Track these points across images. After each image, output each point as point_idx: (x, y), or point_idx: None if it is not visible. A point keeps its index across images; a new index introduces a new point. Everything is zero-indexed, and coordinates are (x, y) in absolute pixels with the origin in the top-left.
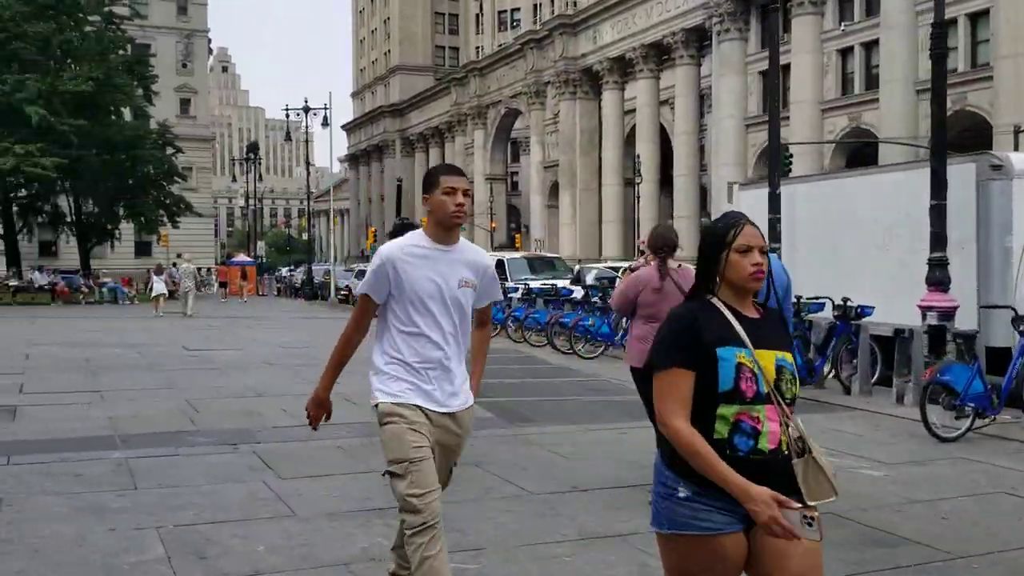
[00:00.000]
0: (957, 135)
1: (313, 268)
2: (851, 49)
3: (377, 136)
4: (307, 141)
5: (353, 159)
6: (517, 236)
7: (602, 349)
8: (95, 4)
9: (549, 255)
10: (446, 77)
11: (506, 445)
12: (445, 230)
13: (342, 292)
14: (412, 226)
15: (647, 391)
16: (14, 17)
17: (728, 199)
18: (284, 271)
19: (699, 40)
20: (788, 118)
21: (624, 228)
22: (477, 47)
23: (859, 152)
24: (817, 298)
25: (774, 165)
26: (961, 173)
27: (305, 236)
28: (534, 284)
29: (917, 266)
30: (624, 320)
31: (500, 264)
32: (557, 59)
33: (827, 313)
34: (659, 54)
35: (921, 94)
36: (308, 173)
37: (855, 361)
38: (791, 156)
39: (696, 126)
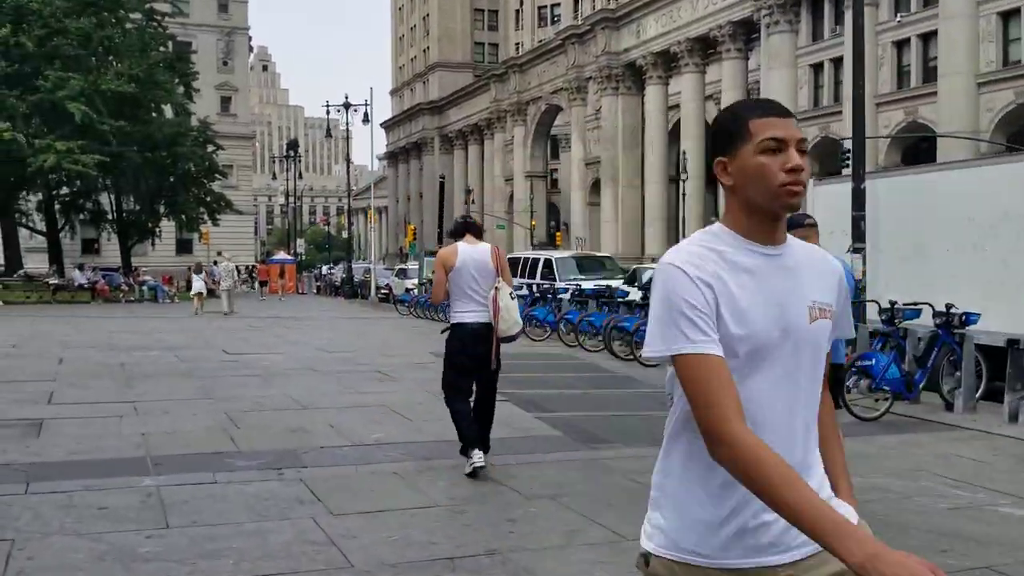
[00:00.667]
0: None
1: (353, 267)
2: (907, 41)
3: (416, 134)
4: (347, 138)
5: (392, 157)
6: (558, 234)
7: None
8: (136, 0)
9: (599, 254)
10: (486, 74)
11: (582, 472)
12: (771, 219)
13: (382, 291)
14: (474, 225)
15: None
16: (55, 13)
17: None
18: (323, 269)
19: (747, 33)
20: (840, 112)
21: (668, 227)
22: (517, 43)
23: (915, 147)
24: (915, 304)
25: (858, 158)
26: None
27: (345, 234)
28: (586, 284)
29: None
30: None
31: (548, 263)
32: (599, 54)
33: (924, 320)
34: (704, 48)
35: (982, 87)
36: (348, 170)
37: (958, 374)
38: (847, 152)
39: None
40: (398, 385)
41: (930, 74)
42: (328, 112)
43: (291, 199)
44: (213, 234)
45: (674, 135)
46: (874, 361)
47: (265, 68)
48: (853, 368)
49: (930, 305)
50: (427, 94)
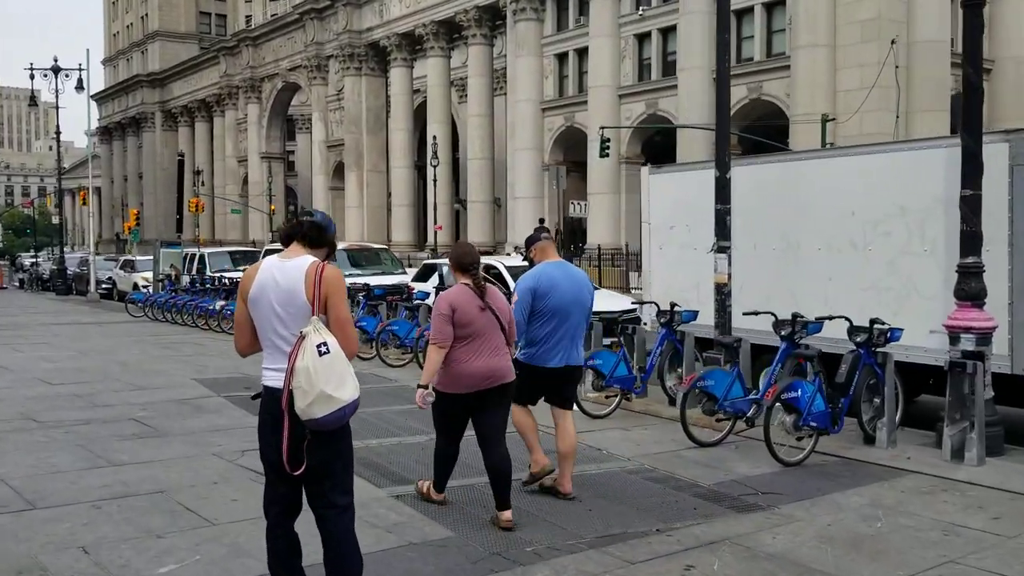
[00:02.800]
0: (751, 125)
1: (65, 257)
2: (649, 35)
3: (134, 108)
4: (56, 107)
5: (106, 132)
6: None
7: None
8: None
9: (374, 245)
10: (214, 46)
11: None
12: None
13: (103, 286)
14: (311, 226)
15: None
16: None
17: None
18: (26, 259)
19: (492, 19)
20: (586, 103)
21: (415, 212)
22: (247, 15)
23: (650, 140)
24: (830, 318)
25: (722, 145)
26: (987, 155)
27: (56, 219)
28: (369, 282)
29: (918, 271)
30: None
31: None
32: (340, 32)
33: (829, 334)
34: (450, 31)
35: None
36: (59, 143)
37: (876, 400)
38: (608, 141)
39: (490, 108)
40: (170, 444)
41: (670, 68)
42: (32, 77)
43: None
44: None
45: (419, 119)
46: (800, 392)
47: None
48: (779, 402)
49: (846, 318)
50: (146, 65)
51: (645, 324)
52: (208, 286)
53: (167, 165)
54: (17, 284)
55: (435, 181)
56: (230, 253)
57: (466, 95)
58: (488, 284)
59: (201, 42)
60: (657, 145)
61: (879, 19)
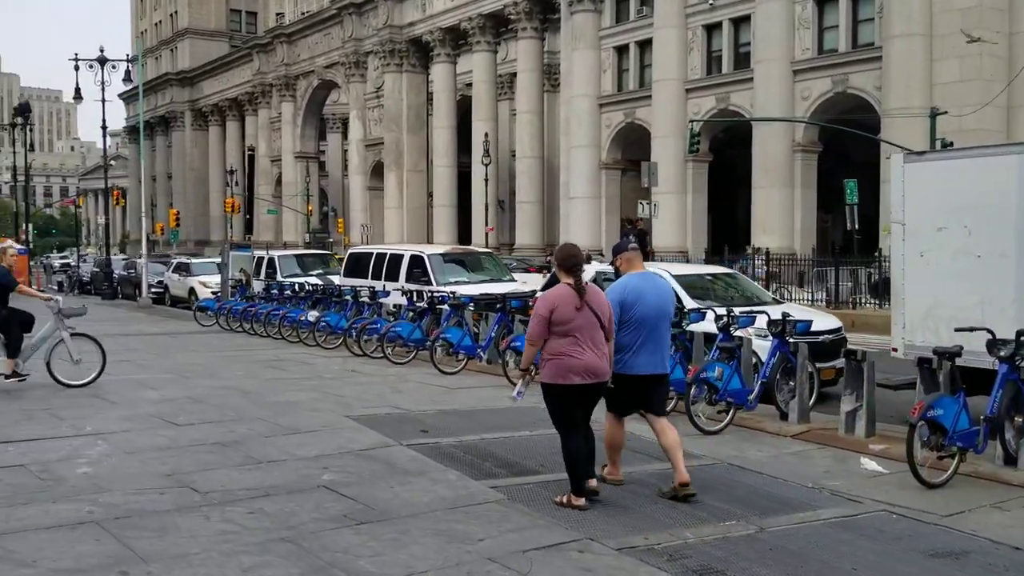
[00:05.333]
0: (834, 119)
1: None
2: (719, 25)
3: (163, 107)
4: (103, 101)
5: (133, 132)
6: (340, 221)
7: (671, 403)
8: None
9: (479, 249)
10: (247, 43)
11: None
12: None
13: (155, 290)
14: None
15: None
16: None
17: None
18: (55, 260)
19: (543, 11)
20: (648, 98)
21: (458, 212)
22: (278, 13)
23: (715, 136)
24: None
25: None
26: None
27: (89, 220)
28: (471, 290)
29: None
30: None
31: (419, 261)
32: (380, 27)
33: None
34: (497, 25)
35: (797, 74)
36: (105, 136)
37: None
38: (698, 136)
39: (540, 105)
40: (410, 536)
41: (742, 60)
42: (77, 69)
43: (21, 176)
44: None
45: (458, 116)
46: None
47: None
48: None
49: None
50: (175, 63)
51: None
52: (289, 293)
53: (197, 165)
54: (56, 287)
55: (486, 180)
56: (297, 256)
57: (505, 92)
58: (589, 284)
59: (231, 40)
60: (721, 142)
61: (980, 7)
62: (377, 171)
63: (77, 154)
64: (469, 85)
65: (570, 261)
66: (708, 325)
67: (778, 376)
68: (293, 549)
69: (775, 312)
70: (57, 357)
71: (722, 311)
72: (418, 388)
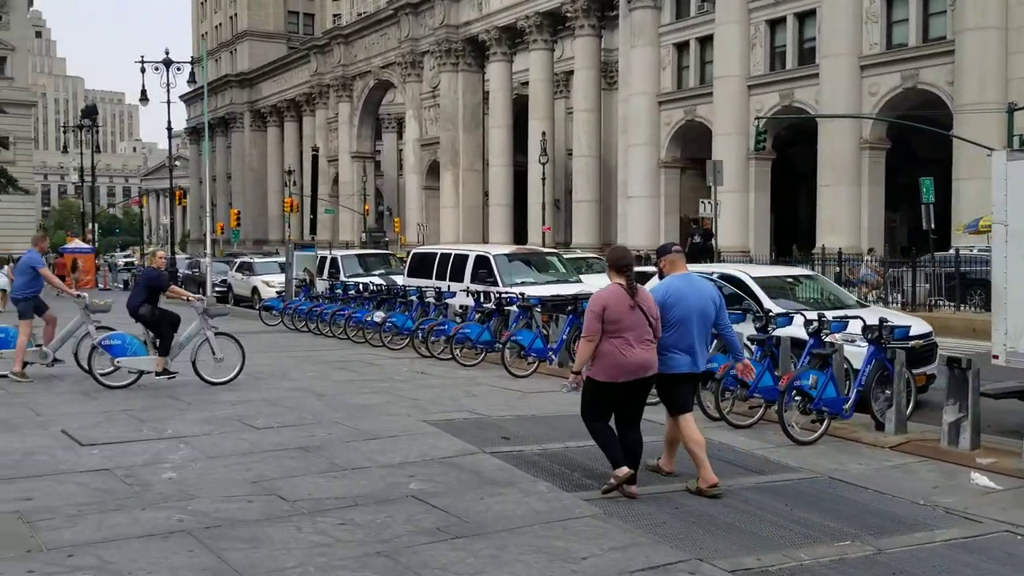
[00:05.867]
0: (903, 116)
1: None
2: (783, 20)
3: (222, 108)
4: (168, 103)
5: (194, 133)
6: (396, 220)
7: (760, 412)
8: None
9: (543, 249)
10: (305, 44)
11: None
12: None
13: (218, 289)
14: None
15: None
16: None
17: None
18: (119, 258)
19: (601, 8)
20: (709, 95)
21: (514, 212)
22: (335, 14)
23: (778, 134)
24: None
25: None
26: None
27: (151, 218)
28: (538, 291)
29: None
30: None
31: (485, 262)
32: (437, 27)
33: None
34: (554, 23)
35: (866, 69)
36: (170, 136)
37: None
38: (764, 133)
39: (598, 103)
40: (508, 554)
41: (806, 55)
42: (143, 71)
43: (87, 176)
44: None
45: (515, 115)
46: None
47: (39, 35)
48: None
49: None
50: (235, 65)
51: None
52: (354, 293)
53: (256, 165)
54: (121, 286)
55: (543, 180)
56: (359, 256)
57: (560, 91)
58: (639, 285)
59: (289, 41)
60: (782, 139)
61: None
62: (433, 170)
63: (139, 155)
64: (524, 84)
65: (621, 262)
66: (795, 330)
67: (873, 384)
68: (391, 565)
69: (871, 317)
70: (201, 356)
71: (812, 315)
72: (491, 392)
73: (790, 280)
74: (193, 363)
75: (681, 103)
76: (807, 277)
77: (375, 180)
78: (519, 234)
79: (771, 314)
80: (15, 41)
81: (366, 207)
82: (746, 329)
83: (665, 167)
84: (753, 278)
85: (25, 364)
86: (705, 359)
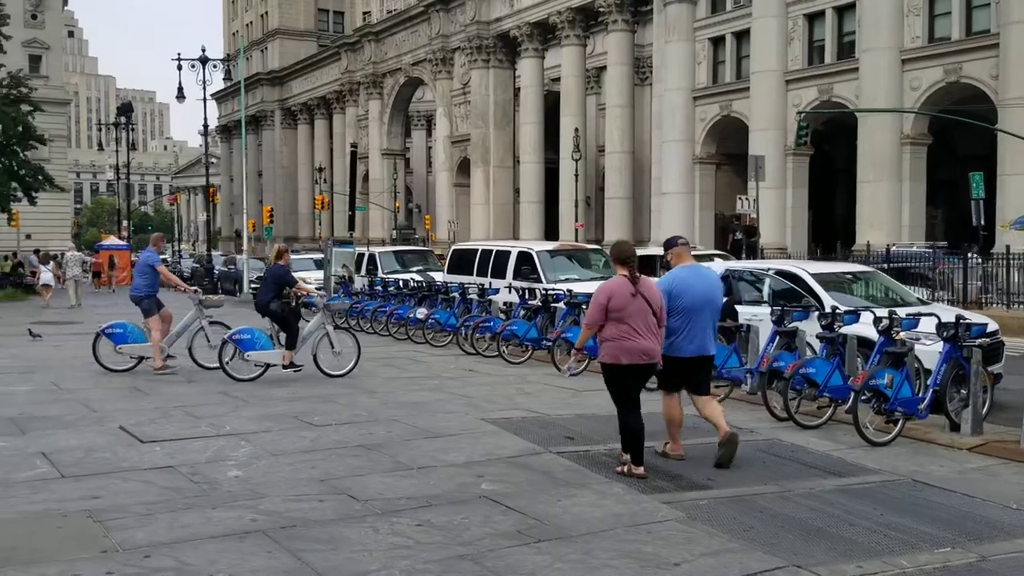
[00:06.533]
0: (946, 110)
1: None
2: (821, 14)
3: (253, 106)
4: (204, 100)
5: (224, 131)
6: (427, 217)
7: (829, 412)
8: None
9: (586, 246)
10: (335, 42)
11: None
12: None
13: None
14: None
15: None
16: None
17: None
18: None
19: (635, 3)
20: (745, 90)
21: (545, 208)
22: (364, 12)
23: (816, 129)
24: None
25: None
26: None
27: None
28: (584, 288)
29: None
30: None
31: (528, 258)
32: (468, 23)
33: None
34: (587, 18)
35: (908, 63)
36: (207, 133)
37: None
38: (806, 128)
39: (630, 98)
40: (597, 558)
41: (844, 49)
42: (180, 66)
43: (122, 173)
44: (22, 216)
45: (546, 111)
46: None
47: (71, 34)
48: None
49: None
50: (266, 63)
51: None
52: (394, 289)
53: (286, 163)
54: None
55: (576, 176)
56: (397, 253)
57: (591, 87)
58: (641, 276)
59: (319, 39)
60: (818, 135)
61: None
62: (463, 167)
63: (170, 153)
64: (553, 81)
65: (624, 255)
66: (863, 328)
67: (948, 383)
68: (477, 570)
69: (946, 314)
70: (321, 350)
71: (882, 312)
72: (544, 390)
73: (849, 277)
74: (315, 356)
75: (717, 98)
76: (865, 273)
77: (405, 178)
78: (550, 231)
79: (838, 311)
80: (50, 40)
81: (396, 204)
82: (810, 327)
83: (700, 163)
84: (811, 275)
85: (168, 357)
86: (713, 344)
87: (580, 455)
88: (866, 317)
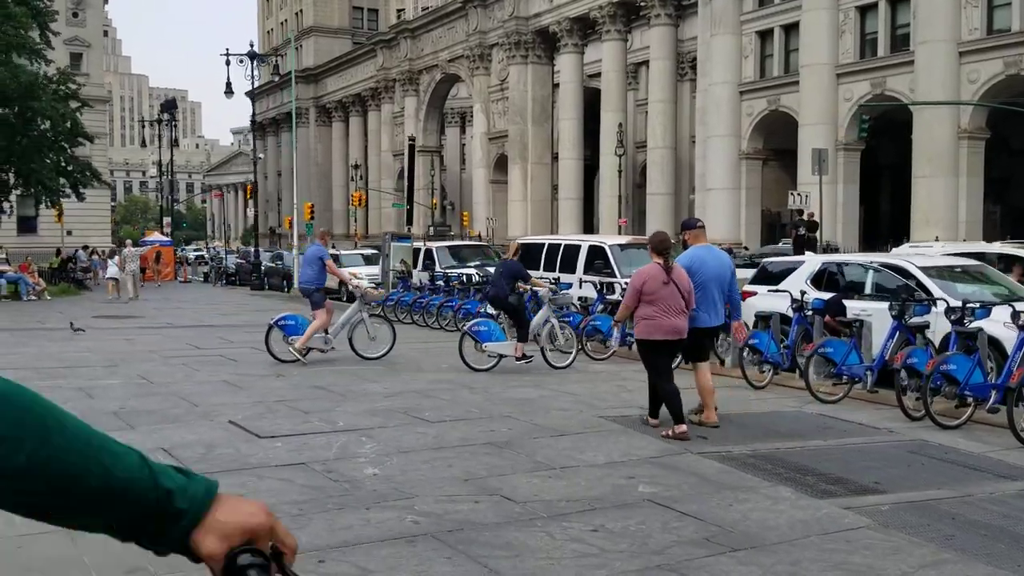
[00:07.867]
0: (1005, 103)
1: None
2: (875, 6)
3: (288, 104)
4: (252, 97)
5: (259, 128)
6: (464, 214)
7: (969, 411)
8: None
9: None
10: (371, 39)
11: None
12: None
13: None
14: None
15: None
16: None
17: None
18: (189, 252)
19: None
20: (794, 84)
21: (583, 205)
22: (399, 9)
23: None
24: None
25: None
26: None
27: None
28: None
29: None
30: None
31: (598, 252)
32: (506, 19)
33: None
34: (628, 13)
35: (965, 56)
36: (254, 128)
37: None
38: (868, 121)
39: (673, 93)
40: (789, 564)
41: (898, 42)
42: (228, 62)
43: (165, 170)
44: (66, 211)
45: (584, 108)
46: None
47: (106, 33)
48: None
49: None
50: (300, 61)
51: None
52: (457, 284)
53: (320, 160)
54: (201, 278)
55: (620, 172)
56: (453, 248)
57: (631, 83)
58: (675, 264)
59: (353, 37)
60: (868, 129)
61: None
62: (500, 164)
63: (202, 151)
64: (592, 76)
65: (660, 246)
66: (992, 326)
67: None
68: None
69: None
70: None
71: (1022, 306)
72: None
73: (959, 270)
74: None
75: (764, 92)
76: (977, 268)
77: (440, 175)
78: (588, 228)
79: (968, 305)
80: (91, 38)
81: (434, 201)
82: (936, 322)
83: (746, 158)
84: (920, 268)
85: (307, 351)
86: (722, 316)
87: (723, 456)
88: (997, 312)
